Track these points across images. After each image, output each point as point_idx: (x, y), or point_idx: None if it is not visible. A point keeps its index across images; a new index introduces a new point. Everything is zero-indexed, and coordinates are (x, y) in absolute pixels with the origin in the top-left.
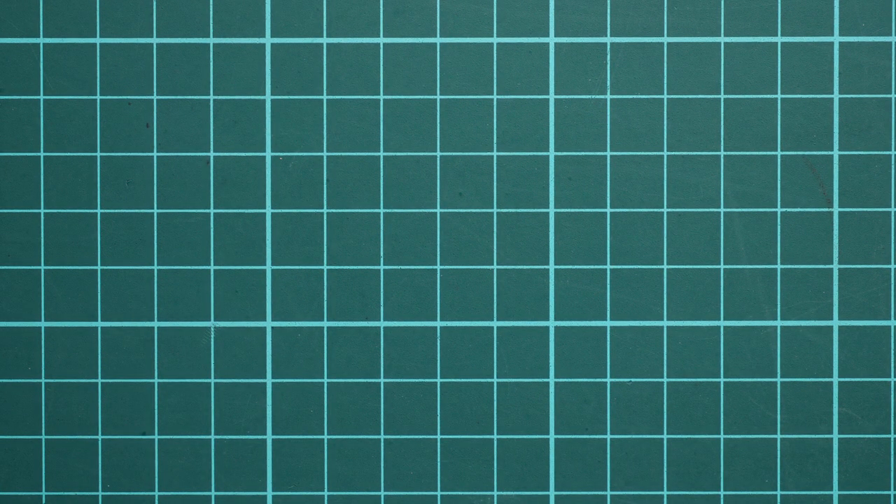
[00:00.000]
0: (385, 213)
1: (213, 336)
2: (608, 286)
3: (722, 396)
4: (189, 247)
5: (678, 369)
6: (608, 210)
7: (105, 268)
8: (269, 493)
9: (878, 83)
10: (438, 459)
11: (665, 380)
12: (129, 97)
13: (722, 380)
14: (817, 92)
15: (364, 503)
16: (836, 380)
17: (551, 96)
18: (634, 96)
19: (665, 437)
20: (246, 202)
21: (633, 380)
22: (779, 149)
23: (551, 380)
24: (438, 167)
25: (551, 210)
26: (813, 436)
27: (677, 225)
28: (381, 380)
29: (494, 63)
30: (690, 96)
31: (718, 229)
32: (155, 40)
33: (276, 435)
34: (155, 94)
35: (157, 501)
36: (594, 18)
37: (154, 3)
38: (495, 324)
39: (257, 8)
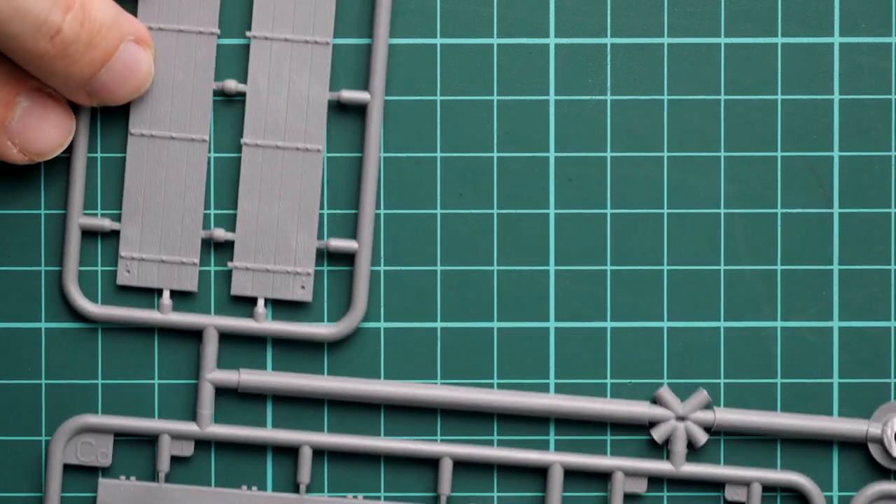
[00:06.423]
0: (385, 213)
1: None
2: (608, 287)
3: (722, 397)
4: None
5: (678, 369)
6: (608, 211)
7: (105, 268)
8: None
9: (878, 84)
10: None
11: (665, 381)
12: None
13: (722, 381)
14: (817, 93)
15: None
16: (836, 381)
17: (551, 97)
18: (634, 97)
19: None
20: None
21: (632, 381)
22: (779, 150)
23: (552, 380)
24: (439, 168)
25: (551, 211)
26: (813, 437)
27: (677, 225)
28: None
29: (495, 64)
30: (690, 97)
31: (718, 230)
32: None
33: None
34: None
35: None
36: (594, 19)
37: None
38: (495, 325)
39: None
